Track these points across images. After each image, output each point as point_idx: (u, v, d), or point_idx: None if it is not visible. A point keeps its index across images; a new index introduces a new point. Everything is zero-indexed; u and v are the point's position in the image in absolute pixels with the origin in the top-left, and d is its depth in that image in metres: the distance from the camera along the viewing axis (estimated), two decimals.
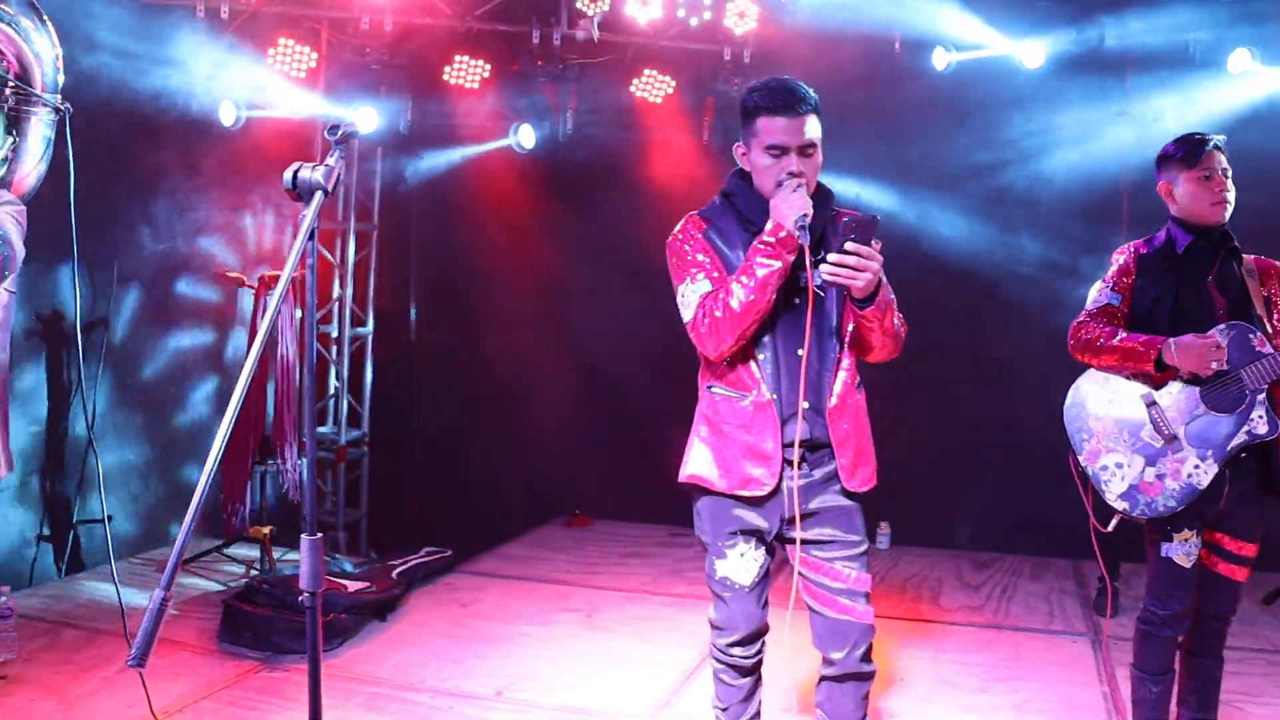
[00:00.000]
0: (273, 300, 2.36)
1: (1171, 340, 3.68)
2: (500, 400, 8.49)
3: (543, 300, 8.45)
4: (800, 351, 3.32)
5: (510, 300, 8.60)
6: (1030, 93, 7.36)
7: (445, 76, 7.53)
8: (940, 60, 7.23)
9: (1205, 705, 3.99)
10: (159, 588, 2.16)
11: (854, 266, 3.10)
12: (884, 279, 3.24)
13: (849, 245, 3.08)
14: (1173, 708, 4.00)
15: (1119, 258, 3.99)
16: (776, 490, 3.37)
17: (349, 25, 7.18)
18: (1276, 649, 5.63)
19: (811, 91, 3.31)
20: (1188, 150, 3.84)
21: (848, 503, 3.44)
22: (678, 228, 3.47)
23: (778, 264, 3.20)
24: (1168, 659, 3.93)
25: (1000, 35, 7.20)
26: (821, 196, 3.41)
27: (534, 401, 8.38)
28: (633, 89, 7.67)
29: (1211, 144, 3.82)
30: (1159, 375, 3.77)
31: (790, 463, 3.36)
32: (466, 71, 7.54)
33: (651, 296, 3.69)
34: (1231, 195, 3.81)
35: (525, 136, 7.87)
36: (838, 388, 3.40)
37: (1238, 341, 3.70)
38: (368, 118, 7.38)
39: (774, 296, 3.24)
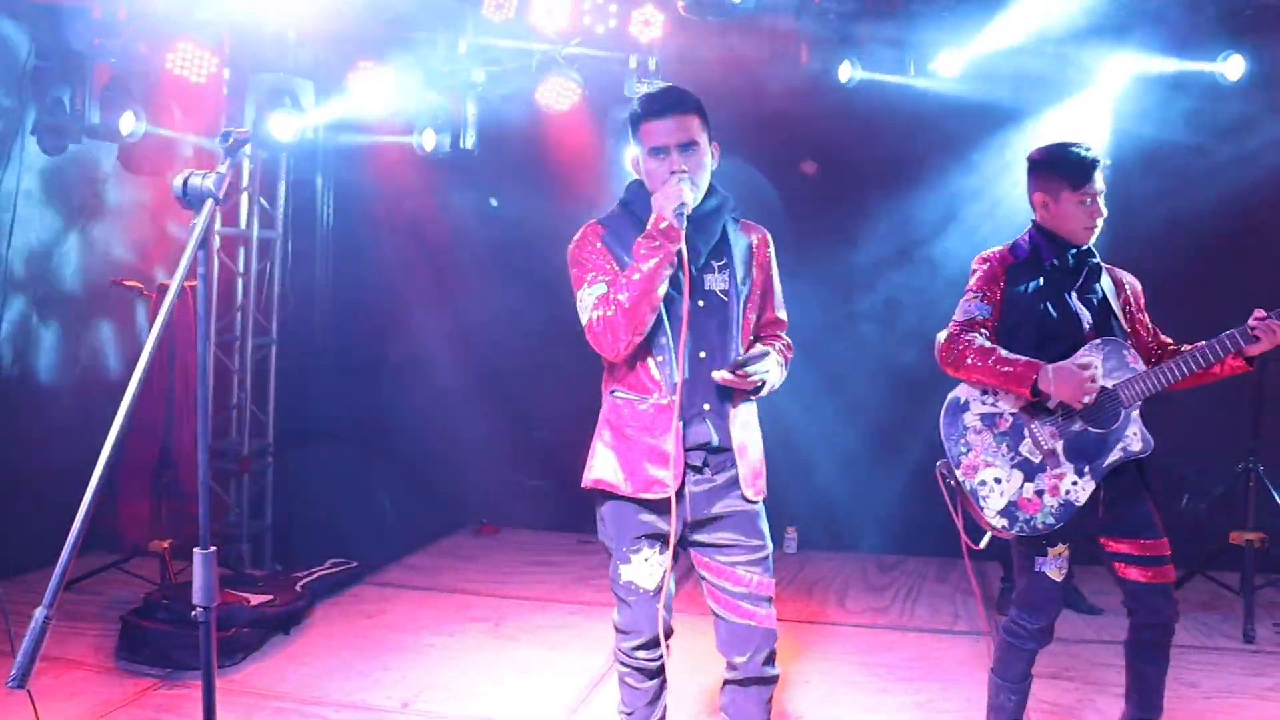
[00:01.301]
0: (162, 310, 2.31)
1: (1049, 367, 3.62)
2: (407, 409, 8.40)
3: (450, 308, 8.39)
4: (702, 354, 3.37)
5: (418, 308, 8.51)
6: (935, 108, 7.44)
7: (350, 83, 7.43)
8: (845, 73, 7.31)
9: (1147, 706, 3.97)
10: (41, 605, 2.11)
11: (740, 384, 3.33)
12: (773, 372, 3.44)
13: (739, 372, 3.30)
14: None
15: (984, 265, 3.91)
16: (680, 494, 3.38)
17: (252, 30, 7.06)
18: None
19: (691, 94, 3.40)
20: (1077, 171, 3.78)
21: (750, 507, 3.47)
22: (576, 236, 3.50)
23: (660, 255, 3.24)
24: (1028, 668, 3.98)
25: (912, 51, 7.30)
26: (718, 201, 3.48)
27: (441, 410, 8.30)
28: (538, 96, 7.63)
29: (1096, 164, 3.80)
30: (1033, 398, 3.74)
31: (693, 468, 3.39)
32: (372, 78, 7.45)
33: (557, 303, 3.70)
34: (1102, 219, 3.82)
35: (430, 141, 7.80)
36: (738, 392, 3.43)
37: (1112, 357, 3.71)
38: (283, 125, 7.24)
39: (663, 289, 3.27)
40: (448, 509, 8.30)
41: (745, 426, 3.48)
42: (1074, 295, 3.83)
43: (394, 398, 8.35)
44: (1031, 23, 6.83)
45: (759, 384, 3.37)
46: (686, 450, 3.38)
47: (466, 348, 8.31)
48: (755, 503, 3.48)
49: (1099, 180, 3.80)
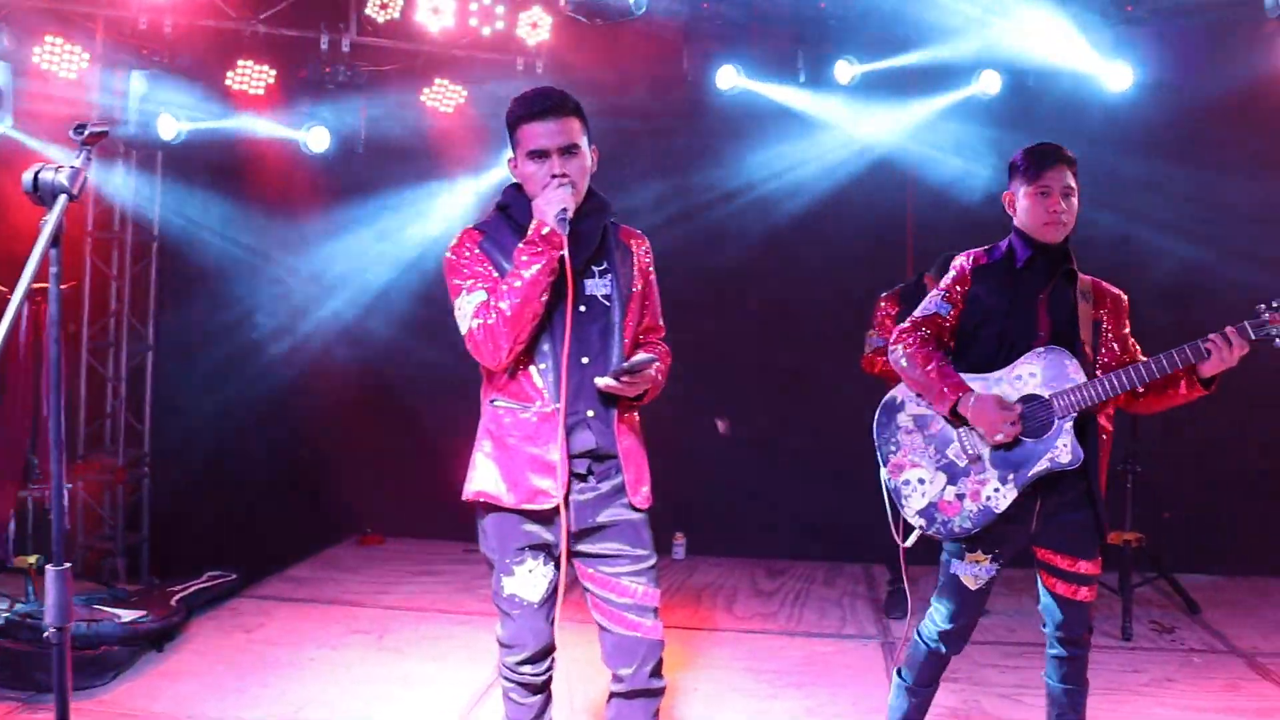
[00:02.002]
0: (8, 314, 2.18)
1: (974, 395, 3.61)
2: (290, 416, 8.21)
3: (333, 312, 8.22)
4: (585, 360, 3.30)
5: (301, 312, 8.33)
6: (814, 117, 7.48)
7: (229, 82, 7.24)
8: (725, 80, 7.31)
9: None
10: None
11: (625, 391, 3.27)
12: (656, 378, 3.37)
13: (624, 378, 3.22)
14: None
15: (957, 264, 3.87)
16: (564, 503, 3.31)
17: (126, 25, 6.84)
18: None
19: (571, 96, 3.32)
20: (1031, 163, 3.74)
21: (635, 516, 3.41)
22: (453, 242, 3.40)
23: (542, 262, 3.17)
24: (935, 673, 3.97)
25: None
26: (598, 205, 3.40)
27: (325, 417, 8.13)
28: (423, 98, 7.52)
29: (1056, 158, 3.72)
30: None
31: (578, 476, 3.32)
32: (251, 76, 7.26)
33: (442, 307, 3.59)
34: (1069, 215, 3.72)
35: (316, 142, 7.61)
36: (622, 399, 3.37)
37: (1053, 366, 3.65)
38: (161, 123, 7.01)
39: (546, 297, 3.20)
40: (331, 518, 8.11)
41: (630, 433, 3.42)
42: (1040, 302, 3.77)
43: (277, 405, 8.15)
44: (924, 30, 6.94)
45: (643, 390, 3.32)
46: (571, 458, 3.31)
47: (353, 353, 8.15)
48: (641, 511, 3.43)
49: (1062, 175, 3.71)
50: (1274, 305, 3.47)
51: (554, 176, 3.23)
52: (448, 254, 3.38)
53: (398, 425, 7.94)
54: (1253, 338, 3.48)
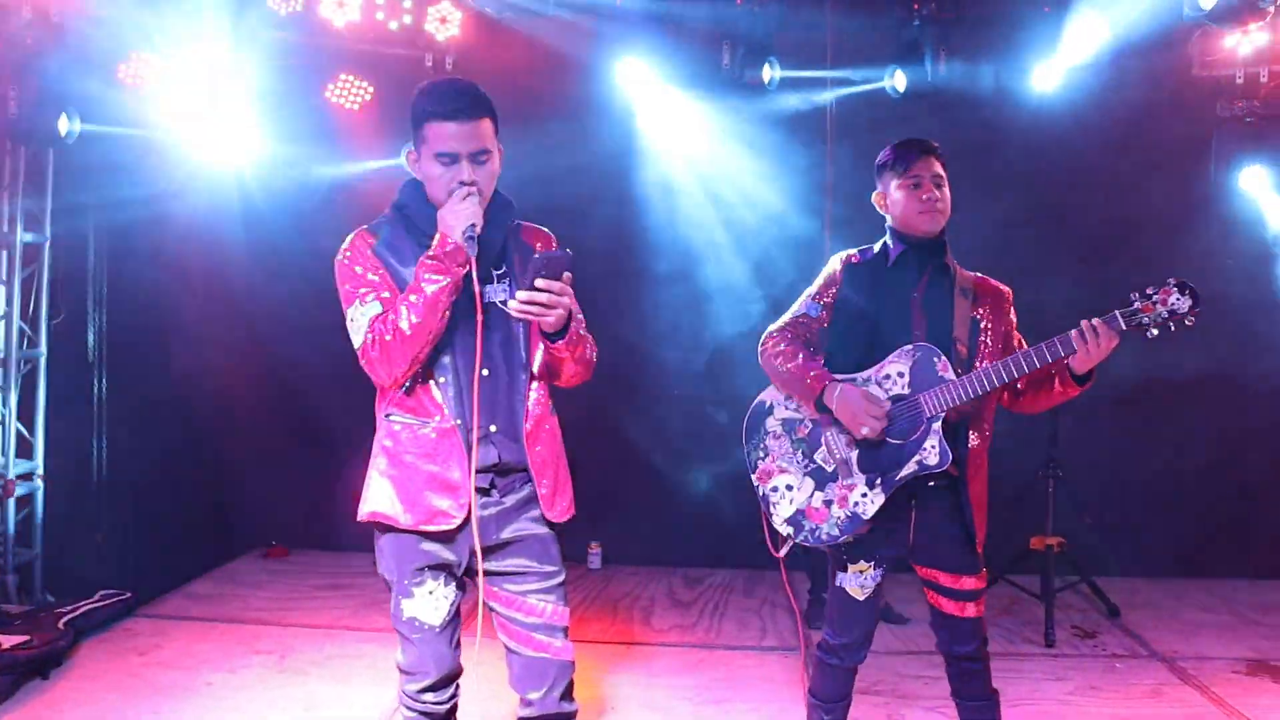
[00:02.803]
0: None
1: (840, 387, 3.53)
2: (192, 426, 7.88)
3: (239, 319, 7.90)
4: (485, 372, 3.13)
5: (204, 319, 7.99)
6: (728, 117, 7.37)
7: (121, 76, 6.91)
8: (635, 77, 7.14)
9: None
10: None
11: (544, 304, 2.92)
12: (577, 311, 3.09)
13: (539, 282, 2.91)
14: None
15: (830, 265, 3.82)
16: (465, 521, 3.12)
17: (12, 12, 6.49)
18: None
19: (485, 94, 3.11)
20: (899, 155, 3.71)
21: (543, 531, 3.25)
22: (345, 245, 3.19)
23: (446, 279, 2.97)
24: (842, 687, 3.86)
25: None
26: (501, 206, 3.22)
27: (229, 426, 7.82)
28: (327, 94, 7.26)
29: (923, 149, 3.69)
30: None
31: (480, 490, 3.14)
32: (143, 70, 6.94)
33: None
34: (944, 204, 3.67)
35: (217, 140, 7.28)
36: (533, 409, 3.20)
37: (922, 364, 3.56)
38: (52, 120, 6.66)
39: (448, 314, 3.00)
40: (234, 531, 7.81)
41: (545, 444, 3.25)
42: (913, 299, 3.69)
43: (178, 412, 7.82)
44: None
45: (563, 316, 3.00)
46: (477, 473, 3.13)
47: (256, 359, 7.84)
48: (551, 526, 3.25)
49: (931, 164, 3.68)
50: (1147, 293, 3.36)
51: (462, 183, 3.03)
52: (339, 257, 3.18)
53: (305, 433, 7.66)
54: (1123, 328, 3.37)
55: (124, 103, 6.93)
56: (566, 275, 2.96)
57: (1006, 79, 7.10)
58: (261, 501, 7.78)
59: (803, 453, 3.69)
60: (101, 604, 6.03)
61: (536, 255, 2.98)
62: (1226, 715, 5.07)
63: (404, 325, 2.98)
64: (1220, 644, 6.13)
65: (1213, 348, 7.05)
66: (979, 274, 3.82)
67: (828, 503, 3.62)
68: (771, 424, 3.77)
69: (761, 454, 3.76)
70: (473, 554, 3.17)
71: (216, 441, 7.81)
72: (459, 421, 3.10)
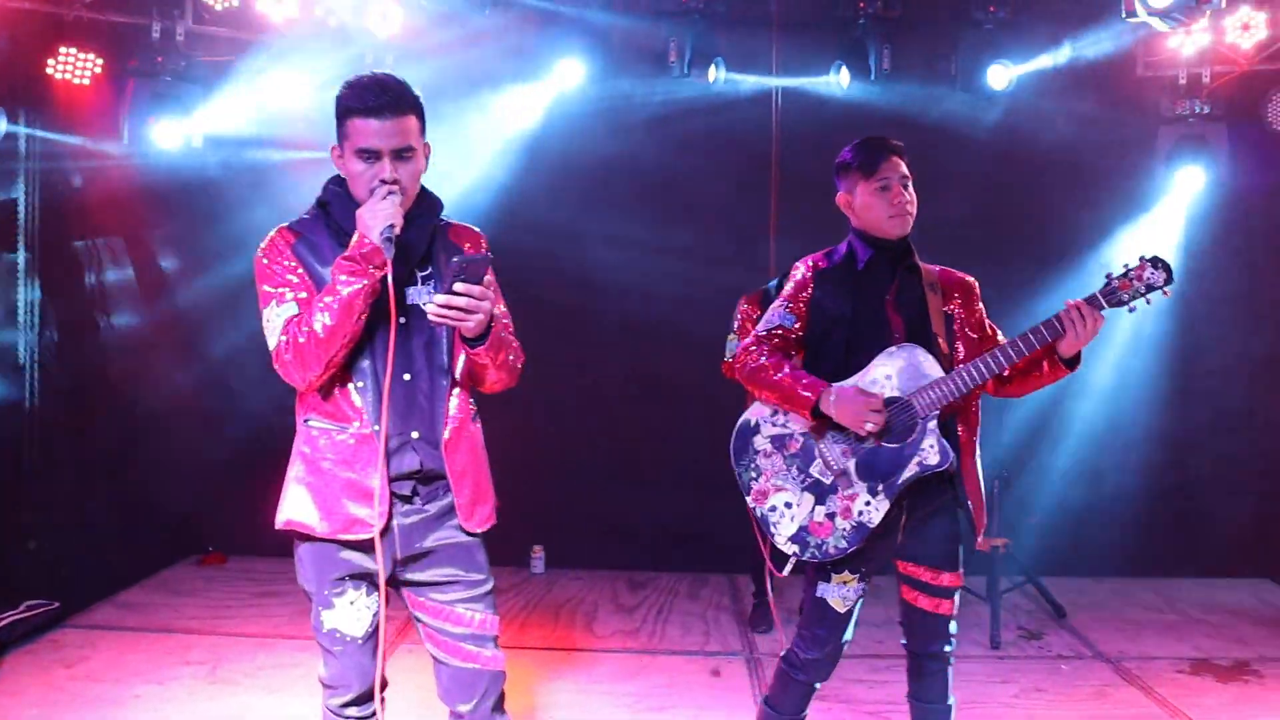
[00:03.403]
0: None
1: (833, 389, 3.43)
2: (127, 429, 7.68)
3: (174, 320, 7.71)
4: (406, 376, 3.01)
5: (139, 320, 7.81)
6: (676, 113, 7.27)
7: (50, 70, 6.70)
8: (575, 76, 7.03)
9: None
10: None
11: (463, 308, 2.81)
12: (501, 312, 3.01)
13: (458, 286, 2.79)
14: None
15: (796, 272, 3.71)
16: (387, 529, 3.00)
17: None
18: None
19: (411, 91, 2.98)
20: (864, 158, 3.61)
21: (467, 538, 3.13)
22: (264, 242, 3.06)
23: (362, 282, 2.85)
24: (801, 703, 3.78)
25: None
26: (427, 206, 3.10)
27: (165, 430, 7.63)
28: (265, 93, 7.08)
29: (889, 150, 3.60)
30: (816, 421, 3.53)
31: (402, 498, 3.04)
32: (75, 66, 6.73)
33: None
34: (913, 205, 3.60)
35: (164, 138, 7.05)
36: (453, 414, 3.08)
37: (908, 364, 3.48)
38: None
39: (364, 317, 2.88)
40: (169, 536, 7.60)
41: (466, 452, 3.11)
42: (887, 301, 3.60)
43: (111, 413, 7.62)
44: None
45: (483, 323, 2.88)
46: (393, 480, 3.01)
47: (193, 357, 7.65)
48: (474, 535, 3.13)
49: (898, 165, 3.60)
50: (1124, 271, 3.34)
51: (383, 181, 2.91)
52: (258, 254, 3.05)
53: (243, 436, 7.47)
54: (1104, 306, 3.35)
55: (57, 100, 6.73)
56: (488, 279, 2.86)
57: (955, 78, 7.07)
58: (198, 507, 7.58)
59: (797, 468, 3.58)
60: (27, 615, 5.82)
61: (455, 259, 2.86)
62: (1170, 716, 5.05)
63: (318, 327, 2.86)
64: (1165, 644, 6.14)
65: (1157, 347, 7.07)
66: (941, 267, 3.75)
67: (831, 515, 3.52)
68: (760, 442, 3.64)
69: (754, 474, 3.62)
70: (396, 562, 3.06)
71: (152, 446, 7.61)
72: (377, 428, 2.97)
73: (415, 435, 3.02)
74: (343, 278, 2.84)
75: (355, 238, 2.86)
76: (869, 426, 3.41)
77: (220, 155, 7.36)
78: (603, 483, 7.38)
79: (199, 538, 7.69)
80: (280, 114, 7.12)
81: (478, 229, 3.27)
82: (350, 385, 2.99)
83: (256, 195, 7.34)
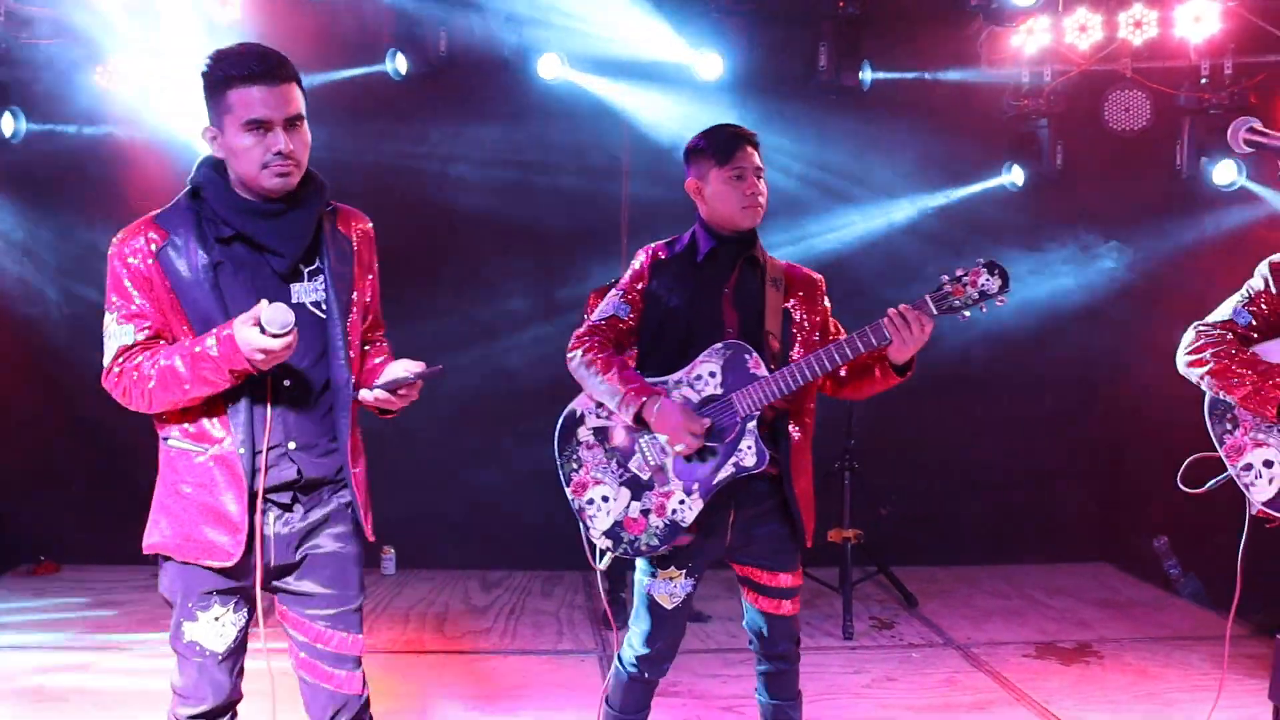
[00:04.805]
0: None
1: (660, 401, 3.37)
2: None
3: (12, 320, 7.30)
4: (287, 383, 2.85)
5: None
6: (527, 98, 7.17)
7: None
8: (403, 63, 6.87)
9: None
10: None
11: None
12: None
13: (380, 394, 2.87)
14: None
15: (636, 261, 3.63)
16: (263, 538, 2.86)
17: None
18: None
19: (290, 60, 2.80)
20: (719, 145, 3.52)
21: (345, 550, 2.99)
22: (123, 235, 2.81)
23: (214, 390, 2.74)
24: (642, 699, 3.72)
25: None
26: (315, 187, 2.91)
27: None
28: (98, 77, 6.77)
29: (744, 139, 3.53)
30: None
31: (281, 506, 2.92)
32: None
33: None
34: (765, 197, 3.54)
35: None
36: (346, 420, 2.95)
37: (733, 363, 3.43)
38: None
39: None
40: (2, 547, 7.20)
41: (348, 455, 2.96)
42: (724, 295, 3.54)
43: None
44: None
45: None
46: (269, 492, 2.85)
47: (29, 364, 7.26)
48: (353, 545, 3.00)
49: (752, 155, 3.53)
50: (957, 275, 3.30)
51: (278, 155, 2.72)
52: (114, 249, 2.81)
53: (78, 438, 7.14)
54: (934, 312, 3.31)
55: None
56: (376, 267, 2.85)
57: (814, 72, 7.11)
58: (33, 515, 7.20)
59: (617, 462, 3.51)
60: None
61: (383, 384, 2.86)
62: (1016, 699, 5.15)
63: (153, 386, 2.72)
64: (1011, 629, 6.27)
65: (1003, 339, 7.20)
66: (789, 262, 3.71)
67: (645, 512, 3.46)
68: (584, 434, 3.57)
69: (575, 465, 3.55)
70: (269, 570, 2.92)
71: None
72: (243, 449, 2.80)
73: (293, 445, 2.87)
74: (201, 375, 2.69)
75: (219, 347, 2.65)
76: (679, 448, 3.38)
77: (49, 146, 7.00)
78: (455, 482, 7.25)
79: (33, 547, 7.29)
80: (112, 101, 6.82)
81: (364, 215, 3.11)
82: (217, 398, 2.80)
83: (97, 186, 7.02)
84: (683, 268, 3.58)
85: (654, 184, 6.98)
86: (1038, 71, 7.02)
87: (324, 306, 2.88)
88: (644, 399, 3.38)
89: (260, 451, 2.81)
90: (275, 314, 2.58)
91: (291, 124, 2.75)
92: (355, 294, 2.96)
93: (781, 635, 3.63)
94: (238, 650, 2.98)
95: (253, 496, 2.82)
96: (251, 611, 2.98)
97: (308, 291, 2.87)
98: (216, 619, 2.92)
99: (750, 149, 3.55)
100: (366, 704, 3.10)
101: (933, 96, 7.29)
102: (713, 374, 3.44)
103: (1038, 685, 5.30)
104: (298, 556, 2.95)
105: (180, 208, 2.85)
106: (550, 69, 6.95)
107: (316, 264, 2.90)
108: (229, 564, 2.83)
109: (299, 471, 2.88)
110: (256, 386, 2.80)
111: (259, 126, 2.71)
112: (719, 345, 3.46)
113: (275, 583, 2.98)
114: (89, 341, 6.75)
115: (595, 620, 6.27)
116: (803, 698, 3.76)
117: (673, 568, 3.52)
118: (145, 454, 3.08)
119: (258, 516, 2.82)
